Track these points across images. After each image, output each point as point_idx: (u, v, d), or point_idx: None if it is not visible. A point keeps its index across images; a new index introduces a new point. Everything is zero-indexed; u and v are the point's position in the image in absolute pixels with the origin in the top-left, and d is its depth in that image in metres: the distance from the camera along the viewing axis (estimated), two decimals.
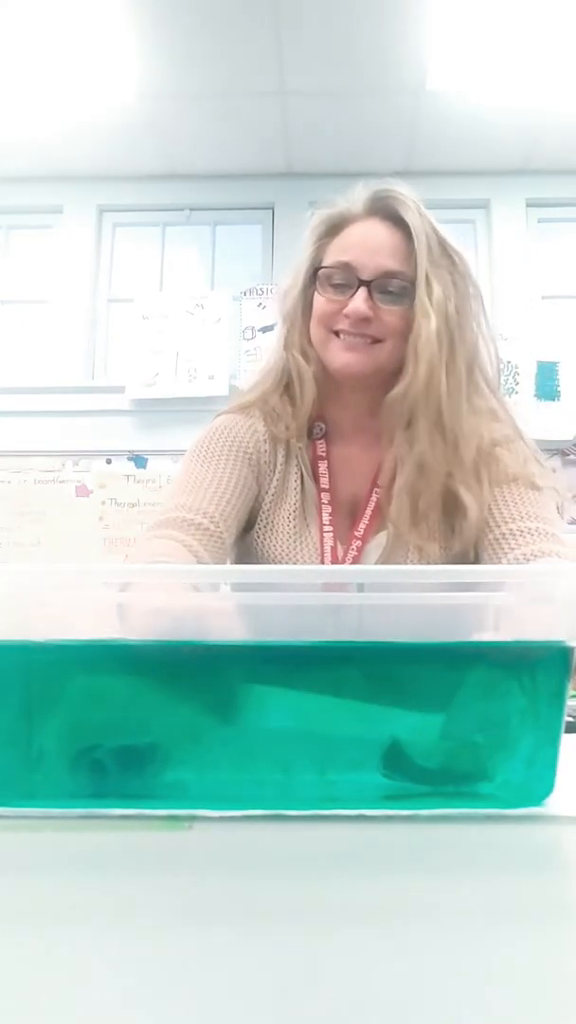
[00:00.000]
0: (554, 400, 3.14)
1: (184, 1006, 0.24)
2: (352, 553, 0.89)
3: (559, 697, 0.43)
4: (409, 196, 0.90)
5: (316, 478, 0.94)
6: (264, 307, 3.42)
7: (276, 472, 0.94)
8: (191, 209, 3.60)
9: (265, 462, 0.94)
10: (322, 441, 0.95)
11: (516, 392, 3.07)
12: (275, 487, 0.93)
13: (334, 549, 0.90)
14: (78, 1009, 0.24)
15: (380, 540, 0.90)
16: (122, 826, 0.41)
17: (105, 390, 3.38)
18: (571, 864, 0.38)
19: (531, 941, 0.29)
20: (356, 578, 0.45)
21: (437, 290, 0.86)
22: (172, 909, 0.31)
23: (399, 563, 0.87)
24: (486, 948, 0.28)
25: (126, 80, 2.92)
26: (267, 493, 0.93)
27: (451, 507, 0.87)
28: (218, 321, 3.40)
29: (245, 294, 3.44)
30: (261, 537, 0.92)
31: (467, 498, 0.85)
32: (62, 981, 0.26)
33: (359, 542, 0.90)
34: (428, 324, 0.85)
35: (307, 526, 0.91)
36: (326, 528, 0.91)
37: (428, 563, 0.86)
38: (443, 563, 0.87)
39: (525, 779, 0.43)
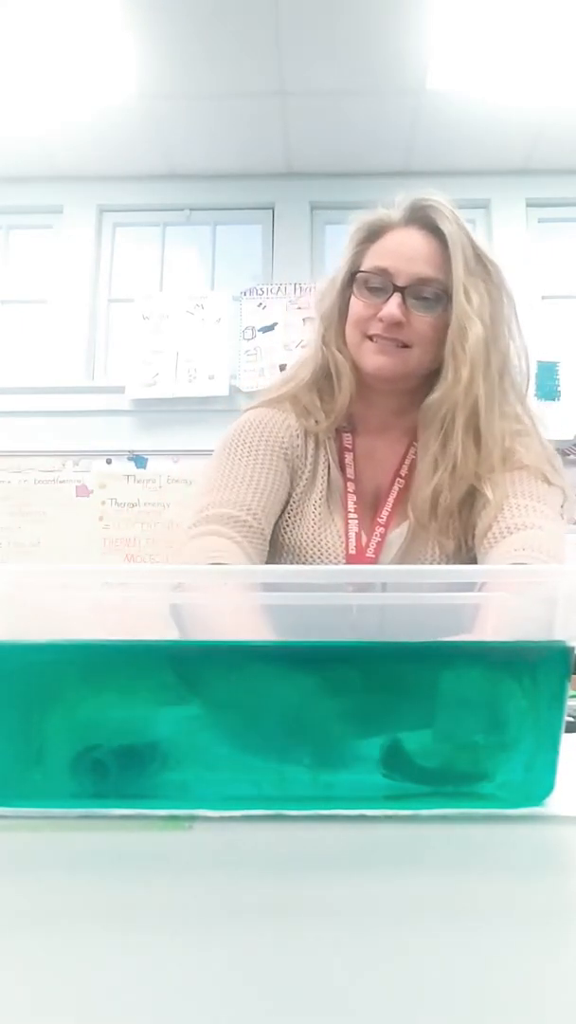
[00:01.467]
0: (554, 400, 3.14)
1: (184, 1006, 0.24)
2: (376, 540, 0.92)
3: (559, 697, 0.43)
4: (447, 206, 0.92)
5: (342, 468, 0.97)
6: (264, 307, 3.42)
7: (307, 464, 0.97)
8: (191, 209, 3.60)
9: (298, 456, 0.97)
10: (348, 435, 0.99)
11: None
12: (306, 478, 0.96)
13: (358, 535, 0.92)
14: (78, 1009, 0.24)
15: (402, 531, 0.93)
16: (122, 826, 0.41)
17: (105, 390, 3.38)
18: (571, 864, 0.38)
19: (531, 941, 0.29)
20: (356, 578, 0.45)
21: (475, 298, 0.89)
22: (172, 909, 0.31)
23: (419, 554, 0.90)
24: (486, 948, 0.28)
25: (126, 80, 2.92)
26: (298, 484, 0.96)
27: (471, 503, 0.90)
28: (218, 321, 3.40)
29: (245, 294, 3.44)
30: (288, 526, 0.94)
31: (489, 493, 0.88)
32: (62, 981, 0.26)
33: (382, 529, 0.93)
34: (474, 328, 0.88)
35: (332, 515, 0.94)
36: (351, 516, 0.94)
37: (446, 558, 0.90)
38: (458, 560, 0.90)
39: (525, 779, 0.43)
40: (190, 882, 0.34)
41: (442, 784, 0.43)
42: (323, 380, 0.99)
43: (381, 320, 0.89)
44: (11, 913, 0.31)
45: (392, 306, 0.89)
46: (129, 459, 3.31)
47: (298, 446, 0.97)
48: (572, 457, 3.16)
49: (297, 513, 0.95)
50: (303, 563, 0.90)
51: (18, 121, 3.15)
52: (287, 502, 0.95)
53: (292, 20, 2.62)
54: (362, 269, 0.93)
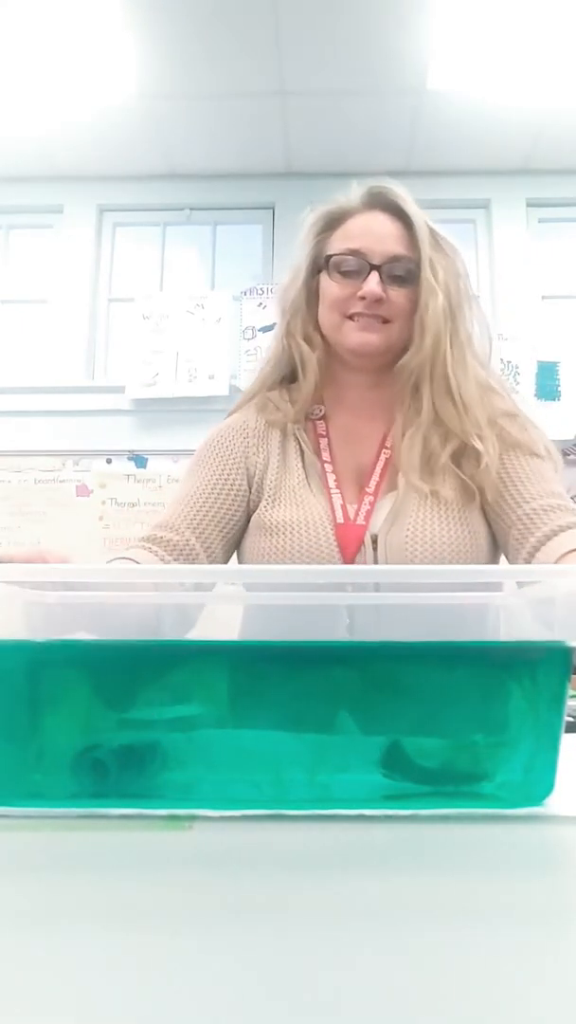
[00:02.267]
0: (555, 400, 3.14)
1: (184, 1006, 0.24)
2: (365, 508, 0.92)
3: (559, 697, 0.43)
4: (403, 191, 0.97)
5: (318, 452, 0.98)
6: (264, 307, 3.42)
7: (274, 453, 0.98)
8: (191, 209, 3.60)
9: (258, 451, 0.99)
10: (320, 421, 1.00)
11: (517, 392, 3.07)
12: (276, 464, 0.98)
13: (344, 507, 0.93)
14: (78, 1009, 0.24)
15: (392, 497, 0.93)
16: (122, 826, 0.41)
17: (105, 390, 3.38)
18: (571, 864, 0.38)
19: (531, 940, 0.29)
20: (356, 578, 0.45)
21: (440, 271, 0.93)
22: (172, 909, 0.31)
23: (413, 512, 0.90)
24: (486, 947, 0.28)
25: (127, 80, 2.92)
26: (268, 471, 0.98)
27: (462, 458, 0.92)
28: (218, 321, 3.40)
29: (245, 294, 3.44)
30: (269, 509, 0.95)
31: (480, 446, 0.90)
32: (62, 981, 0.26)
33: (371, 498, 0.93)
34: (435, 300, 0.92)
35: (312, 494, 0.95)
36: (333, 491, 0.95)
37: (446, 510, 0.90)
38: (462, 511, 0.91)
39: (525, 779, 0.43)
40: (190, 882, 0.34)
41: (442, 784, 0.43)
42: (288, 372, 1.02)
43: (363, 298, 0.92)
44: (11, 913, 0.31)
45: (372, 283, 0.92)
46: (129, 459, 3.31)
47: (254, 441, 0.99)
48: (572, 457, 3.16)
49: (274, 497, 0.96)
50: (292, 539, 0.90)
51: (18, 121, 3.15)
52: (261, 490, 0.97)
53: (292, 20, 2.62)
54: (333, 253, 0.96)
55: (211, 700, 0.44)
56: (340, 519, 0.92)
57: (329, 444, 0.99)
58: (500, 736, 0.44)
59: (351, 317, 0.94)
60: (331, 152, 3.34)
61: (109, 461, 3.31)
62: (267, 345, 1.07)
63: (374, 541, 0.90)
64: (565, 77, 2.85)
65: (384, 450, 0.96)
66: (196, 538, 0.93)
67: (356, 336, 0.94)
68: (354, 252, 0.94)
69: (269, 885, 0.34)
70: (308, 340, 0.99)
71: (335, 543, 0.90)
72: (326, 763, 0.44)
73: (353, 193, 0.99)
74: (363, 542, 0.90)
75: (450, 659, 0.44)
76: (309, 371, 0.98)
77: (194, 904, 0.32)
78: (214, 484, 0.96)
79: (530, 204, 3.46)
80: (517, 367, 3.15)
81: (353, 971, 0.26)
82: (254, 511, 0.96)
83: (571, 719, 0.60)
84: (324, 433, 1.00)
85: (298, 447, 0.98)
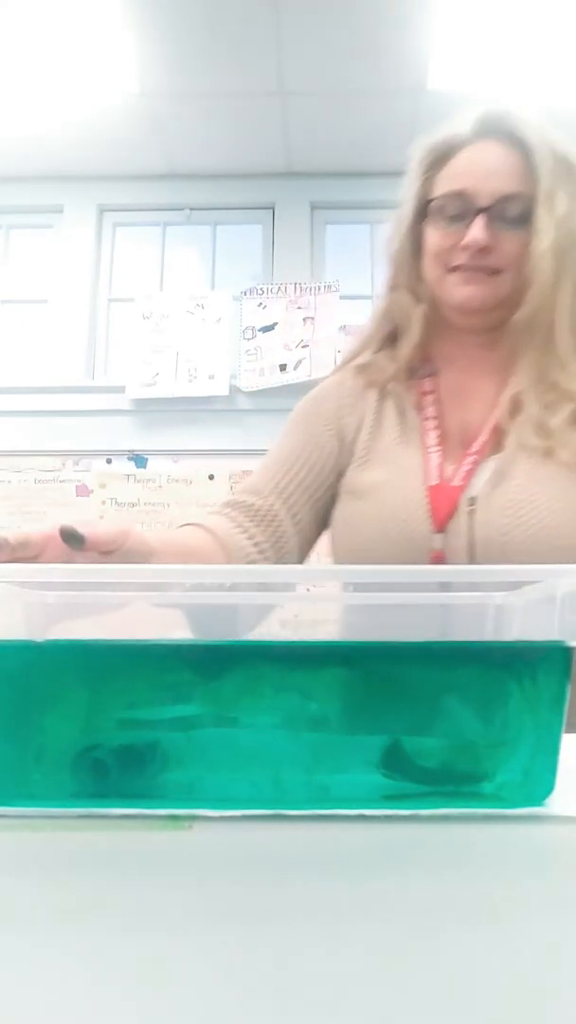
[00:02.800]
0: None
1: (184, 1006, 0.24)
2: (465, 468, 0.83)
3: (559, 697, 0.43)
4: (526, 112, 0.85)
5: (420, 409, 0.89)
6: (264, 307, 3.42)
7: (369, 412, 0.90)
8: (191, 209, 3.60)
9: (348, 411, 0.91)
10: (430, 378, 0.90)
11: None
12: (370, 425, 0.89)
13: (441, 467, 0.83)
14: (78, 1009, 0.24)
15: (498, 459, 0.83)
16: (122, 826, 0.41)
17: (105, 390, 3.38)
18: (571, 864, 0.38)
19: (531, 941, 0.29)
20: (355, 578, 0.45)
21: (561, 207, 0.79)
22: (172, 909, 0.31)
23: (521, 475, 0.79)
24: (486, 947, 0.28)
25: (126, 80, 2.92)
26: (361, 432, 0.89)
27: None
28: (218, 321, 3.40)
29: (245, 294, 3.45)
30: (358, 471, 0.88)
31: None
32: (62, 981, 0.26)
33: (474, 458, 0.83)
34: (558, 236, 0.79)
35: (407, 453, 0.86)
36: (432, 450, 0.85)
37: (560, 474, 0.79)
38: None
39: (525, 779, 0.43)
40: (190, 882, 0.34)
41: (442, 784, 0.43)
42: (393, 329, 0.92)
43: (465, 248, 0.81)
44: (11, 913, 0.31)
45: (476, 230, 0.80)
46: (129, 459, 3.31)
47: (351, 403, 0.91)
48: None
49: (365, 458, 0.88)
50: (378, 503, 0.82)
51: (18, 121, 3.15)
52: (351, 453, 0.89)
53: (292, 20, 2.62)
54: (435, 196, 0.84)
55: (211, 700, 0.44)
56: (434, 480, 0.82)
57: (436, 401, 0.88)
58: (500, 736, 0.44)
59: (455, 269, 0.83)
60: (331, 152, 3.35)
61: (109, 461, 3.31)
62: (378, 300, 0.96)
63: (472, 504, 0.79)
64: (565, 77, 2.84)
65: (496, 411, 0.85)
66: (281, 503, 0.86)
67: (459, 291, 0.83)
68: (458, 194, 0.82)
69: (269, 885, 0.34)
70: (414, 294, 0.88)
71: (426, 506, 0.80)
72: (326, 763, 0.44)
73: (464, 119, 0.86)
74: (458, 505, 0.80)
75: (450, 659, 0.44)
76: (412, 327, 0.88)
77: (194, 904, 0.32)
78: (303, 447, 0.89)
79: None
80: None
81: (353, 971, 0.26)
82: (344, 476, 0.89)
83: None
84: (430, 390, 0.89)
85: (397, 406, 0.89)
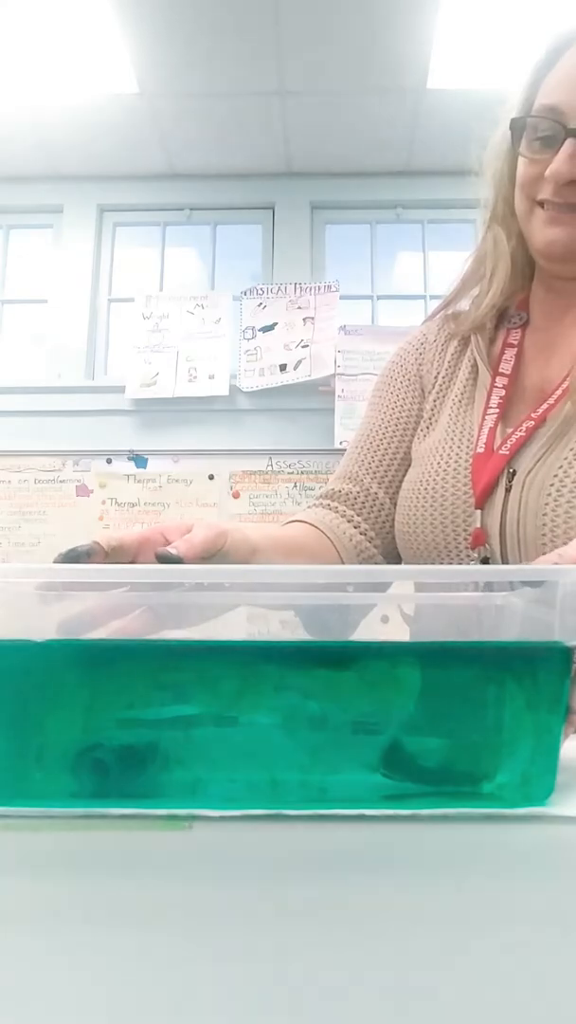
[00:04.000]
0: None
1: (184, 1006, 0.24)
2: (519, 435, 0.72)
3: (559, 697, 0.43)
4: None
5: (495, 364, 0.79)
6: (264, 307, 3.42)
7: (444, 367, 0.82)
8: (191, 209, 3.60)
9: (429, 366, 0.84)
10: (518, 330, 0.80)
11: None
12: (440, 383, 0.82)
13: (492, 431, 0.74)
14: (78, 1009, 0.24)
15: (556, 424, 0.72)
16: (122, 826, 0.41)
17: (105, 390, 3.39)
18: (571, 864, 0.38)
19: (531, 941, 0.29)
20: (355, 578, 0.45)
21: None
22: (172, 909, 0.31)
23: (566, 458, 0.69)
24: (486, 948, 0.28)
25: (126, 80, 2.92)
26: (431, 392, 0.82)
27: None
28: (218, 321, 3.40)
29: (245, 294, 3.45)
30: (422, 436, 0.81)
31: None
32: (62, 981, 0.26)
33: (530, 424, 0.72)
34: None
35: (466, 413, 0.78)
36: (490, 411, 0.75)
37: None
38: None
39: (525, 779, 0.43)
40: (190, 882, 0.34)
41: (442, 784, 0.43)
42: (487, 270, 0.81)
43: (550, 179, 0.69)
44: (11, 913, 0.31)
45: (561, 158, 0.67)
46: (129, 459, 3.31)
47: (432, 357, 0.84)
48: None
49: (432, 419, 0.81)
50: (424, 472, 0.75)
51: (18, 121, 3.15)
52: (422, 417, 0.83)
53: (292, 19, 2.62)
54: (532, 113, 0.71)
55: (212, 699, 0.44)
56: (481, 447, 0.73)
57: (518, 355, 0.78)
58: (500, 736, 0.44)
59: (541, 204, 0.71)
60: (331, 152, 3.35)
61: (109, 461, 3.31)
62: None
63: (511, 479, 0.70)
64: None
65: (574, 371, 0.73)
66: (378, 484, 0.80)
67: (542, 232, 0.72)
68: (550, 110, 0.69)
69: (269, 885, 0.34)
70: (507, 229, 0.78)
71: (467, 481, 0.72)
72: (326, 763, 0.44)
73: None
74: (499, 476, 0.71)
75: (450, 659, 0.44)
76: (499, 270, 0.78)
77: (194, 904, 0.32)
78: (389, 417, 0.83)
79: None
80: None
81: (353, 971, 0.26)
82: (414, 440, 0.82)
83: None
84: (515, 342, 0.79)
85: (473, 360, 0.80)
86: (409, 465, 0.81)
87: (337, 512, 0.80)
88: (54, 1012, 0.24)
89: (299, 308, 3.38)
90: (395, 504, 0.80)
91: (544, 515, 0.68)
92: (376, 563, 0.79)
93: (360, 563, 0.76)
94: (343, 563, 0.75)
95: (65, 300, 3.51)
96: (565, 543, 0.61)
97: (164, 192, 3.57)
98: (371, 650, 0.44)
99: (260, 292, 3.43)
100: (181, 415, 3.33)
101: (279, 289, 3.42)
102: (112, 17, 2.60)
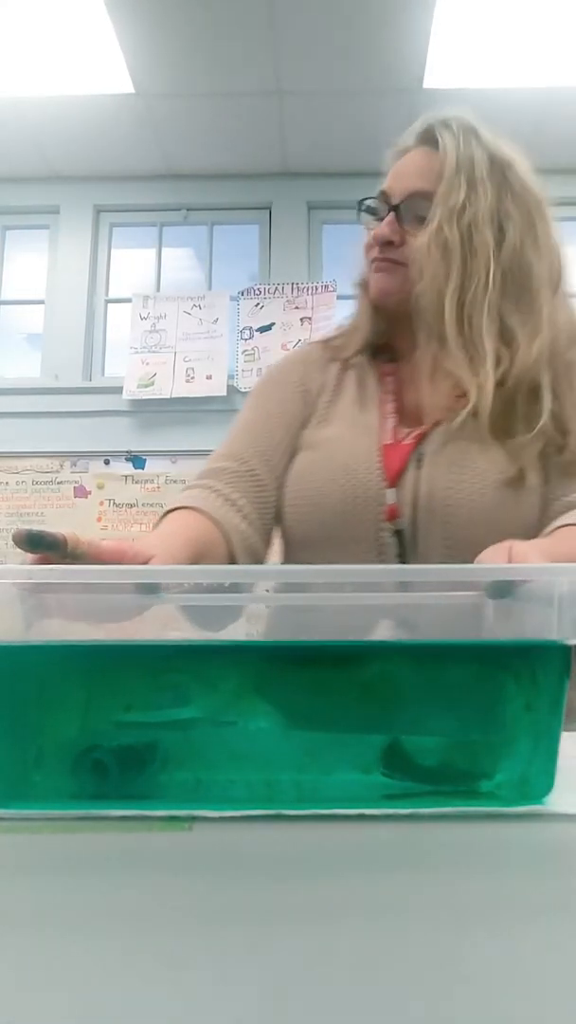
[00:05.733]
0: None
1: (184, 1006, 0.24)
2: (417, 432, 0.85)
3: (558, 695, 0.43)
4: (459, 117, 0.90)
5: (380, 381, 0.92)
6: (261, 307, 3.42)
7: (331, 380, 0.94)
8: (188, 209, 3.60)
9: (312, 378, 0.94)
10: (391, 364, 0.94)
11: None
12: (330, 390, 0.93)
13: (395, 429, 0.86)
14: (78, 1009, 0.24)
15: (444, 427, 0.84)
16: (122, 827, 0.41)
17: (103, 391, 3.38)
18: (571, 863, 0.38)
19: (531, 939, 0.29)
20: (354, 578, 0.45)
21: (455, 200, 0.83)
22: (172, 909, 0.31)
23: (468, 438, 0.81)
24: (486, 946, 0.28)
25: (122, 80, 2.92)
26: (322, 395, 0.93)
27: (531, 400, 0.83)
28: (216, 321, 3.40)
29: (243, 294, 3.45)
30: (316, 428, 0.90)
31: (546, 394, 0.82)
32: (62, 982, 0.26)
33: (426, 427, 0.85)
34: (423, 236, 0.83)
35: (364, 413, 0.89)
36: (389, 415, 0.88)
37: (506, 446, 0.81)
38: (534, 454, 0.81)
39: (525, 777, 0.43)
40: (190, 882, 0.34)
41: (442, 783, 0.43)
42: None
43: (374, 242, 0.88)
44: (11, 913, 0.31)
45: (383, 224, 0.87)
46: (127, 460, 3.31)
47: (316, 371, 0.95)
48: None
49: (325, 417, 0.91)
50: (333, 454, 0.85)
51: (14, 121, 3.15)
52: (312, 413, 0.92)
53: (289, 19, 2.62)
54: (363, 198, 0.92)
55: (212, 700, 0.44)
56: (389, 439, 0.85)
57: (395, 381, 0.92)
58: (499, 734, 0.44)
59: (373, 262, 0.89)
60: (328, 152, 3.35)
61: (107, 462, 3.31)
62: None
63: (419, 461, 0.82)
64: (563, 76, 2.85)
65: (458, 398, 0.85)
66: (264, 466, 0.88)
67: (373, 283, 0.89)
68: (381, 194, 0.89)
69: (269, 885, 0.34)
70: (363, 285, 0.94)
71: (379, 464, 0.83)
72: (326, 763, 0.44)
73: (411, 128, 0.94)
74: (408, 461, 0.82)
75: (449, 657, 0.44)
76: (361, 317, 0.94)
77: (194, 905, 0.32)
78: (274, 410, 0.92)
79: None
80: None
81: (353, 971, 0.26)
82: (304, 432, 0.91)
83: None
84: (391, 372, 0.93)
85: (358, 376, 0.93)
86: (293, 454, 0.90)
87: (220, 495, 0.84)
88: (55, 1012, 0.24)
89: (296, 308, 3.38)
90: (277, 486, 0.88)
91: (450, 488, 0.80)
92: (257, 550, 0.85)
93: (244, 552, 0.82)
94: (233, 554, 0.80)
95: (62, 301, 3.51)
96: (470, 514, 0.78)
97: (161, 192, 3.57)
98: (371, 650, 0.44)
99: (257, 292, 3.43)
100: (179, 416, 3.33)
101: (276, 289, 3.42)
102: (108, 17, 2.59)
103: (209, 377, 3.33)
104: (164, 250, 3.65)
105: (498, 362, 0.82)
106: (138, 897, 0.32)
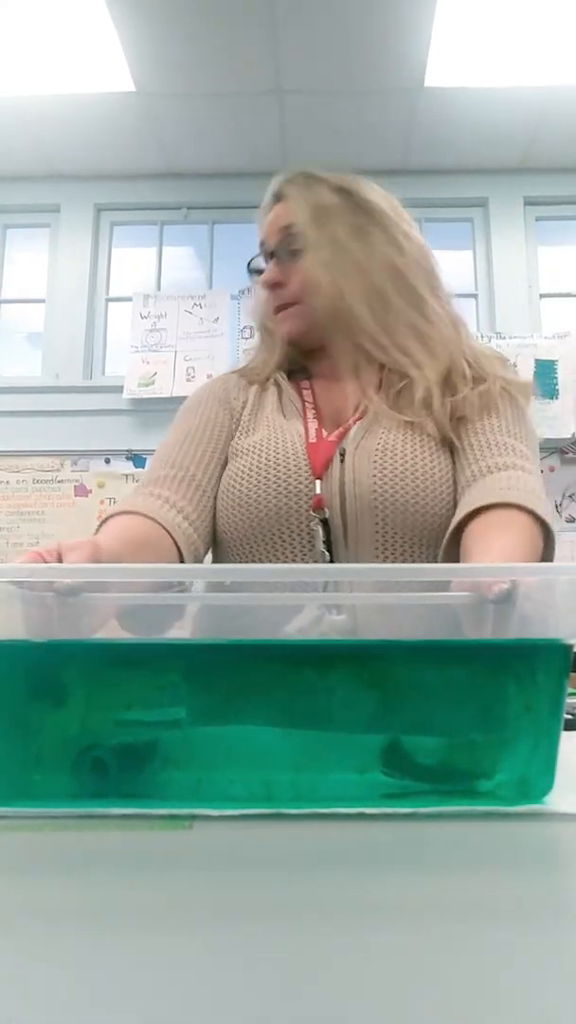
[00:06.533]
0: (553, 399, 3.14)
1: (184, 1005, 0.24)
2: (339, 431, 0.91)
3: (558, 695, 0.43)
4: (296, 170, 1.00)
5: (298, 392, 0.99)
6: None
7: (251, 397, 0.99)
8: (189, 208, 3.60)
9: (235, 396, 1.00)
10: (306, 380, 1.00)
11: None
12: (251, 403, 0.99)
13: (319, 430, 0.92)
14: (78, 1009, 0.24)
15: (364, 420, 0.92)
16: (122, 826, 0.41)
17: (103, 389, 3.38)
18: (571, 861, 0.38)
19: (531, 938, 0.29)
20: (354, 577, 0.45)
21: (316, 222, 0.93)
22: (172, 907, 0.31)
23: (384, 431, 0.89)
24: (486, 946, 0.28)
25: (123, 79, 2.91)
26: (245, 410, 0.98)
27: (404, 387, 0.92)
28: (216, 320, 3.40)
29: (243, 293, 3.44)
30: (242, 438, 0.95)
31: (414, 373, 0.90)
32: (62, 981, 0.26)
33: (345, 427, 0.92)
34: (304, 262, 0.92)
35: (287, 419, 0.95)
36: (311, 420, 0.94)
37: (419, 434, 0.89)
38: (437, 441, 0.89)
39: (524, 776, 0.43)
40: (190, 882, 0.34)
41: (441, 782, 0.43)
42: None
43: (265, 289, 0.95)
44: (11, 913, 0.31)
45: (267, 271, 0.95)
46: (128, 458, 3.31)
47: (236, 392, 1.01)
48: (571, 455, 3.17)
49: (249, 427, 0.96)
50: (263, 457, 0.90)
51: (15, 120, 3.14)
52: (236, 426, 0.98)
53: (289, 18, 2.62)
54: (250, 259, 1.00)
55: (212, 699, 0.44)
56: (313, 438, 0.91)
57: (313, 394, 0.99)
58: (499, 734, 0.44)
59: (275, 310, 0.96)
60: (329, 151, 3.34)
61: (108, 461, 3.31)
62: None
63: (343, 454, 0.88)
64: (563, 75, 2.85)
65: (364, 399, 0.94)
66: (202, 472, 0.92)
67: (280, 328, 0.96)
68: (260, 246, 0.97)
69: (269, 884, 0.34)
70: (264, 327, 1.03)
71: (305, 459, 0.88)
72: (326, 762, 0.44)
73: (268, 189, 1.02)
74: (333, 454, 0.88)
75: (449, 657, 0.44)
76: (274, 351, 1.01)
77: (194, 904, 0.32)
78: (204, 424, 0.96)
79: (528, 202, 3.46)
80: (515, 365, 3.16)
81: (353, 969, 0.26)
82: (232, 444, 0.97)
83: (570, 716, 0.60)
84: (308, 387, 1.00)
85: (277, 390, 0.99)
86: (226, 462, 0.95)
87: (162, 499, 0.88)
88: (55, 1011, 0.24)
89: None
90: (214, 490, 0.93)
91: (373, 476, 0.86)
92: (198, 552, 0.89)
93: (188, 552, 0.86)
94: (180, 554, 0.85)
95: (62, 300, 3.51)
96: (392, 500, 0.84)
97: (161, 191, 3.56)
98: (371, 649, 0.44)
99: None
100: None
101: None
102: (109, 16, 2.59)
103: (210, 376, 3.32)
104: (165, 249, 3.64)
105: (422, 340, 0.92)
106: (138, 895, 0.33)
